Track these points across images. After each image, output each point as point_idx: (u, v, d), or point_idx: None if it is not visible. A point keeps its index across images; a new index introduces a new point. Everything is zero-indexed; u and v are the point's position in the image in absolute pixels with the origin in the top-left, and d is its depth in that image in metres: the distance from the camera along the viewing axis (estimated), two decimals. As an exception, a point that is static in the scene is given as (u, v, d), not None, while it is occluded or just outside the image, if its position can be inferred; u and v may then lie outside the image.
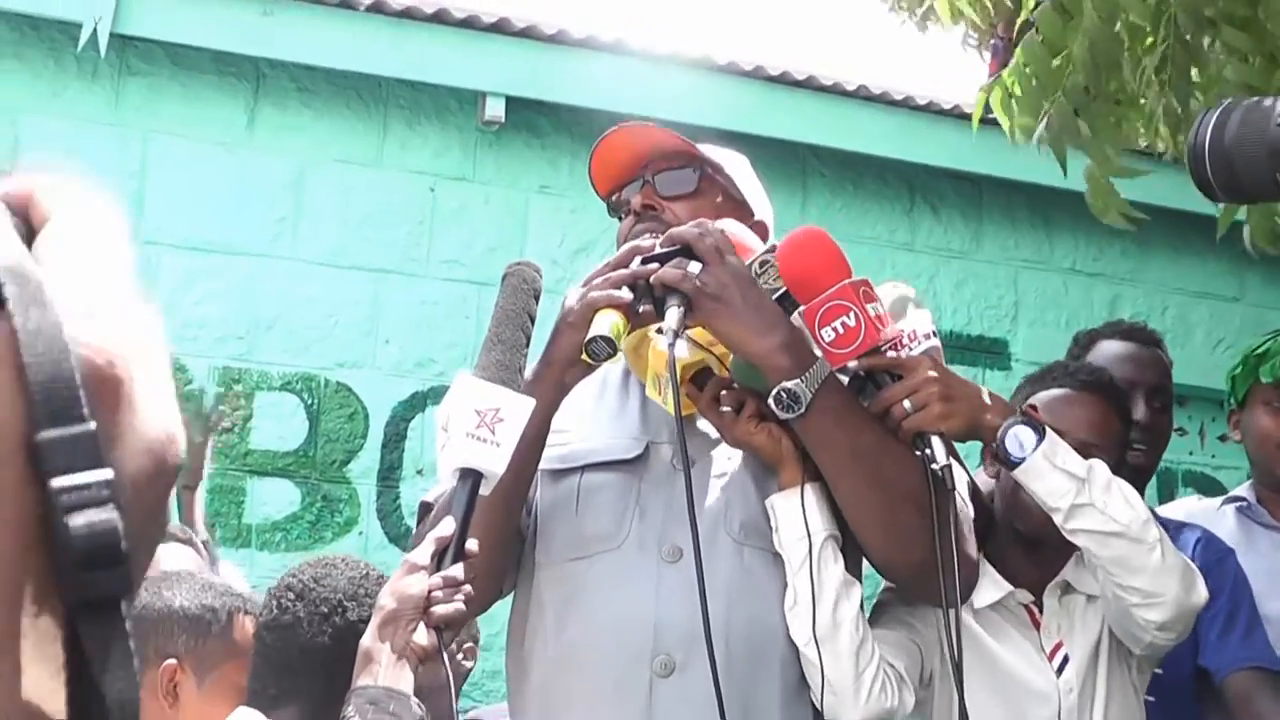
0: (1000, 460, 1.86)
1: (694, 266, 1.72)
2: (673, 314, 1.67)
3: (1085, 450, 1.90)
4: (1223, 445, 5.30)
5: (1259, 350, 2.79)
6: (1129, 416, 2.33)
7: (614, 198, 2.04)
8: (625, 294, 1.71)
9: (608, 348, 1.66)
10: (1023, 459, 1.81)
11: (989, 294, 5.13)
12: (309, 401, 4.25)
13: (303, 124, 4.38)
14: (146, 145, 4.23)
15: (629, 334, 1.73)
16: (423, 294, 4.38)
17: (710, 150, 2.04)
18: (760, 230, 2.01)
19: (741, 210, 2.00)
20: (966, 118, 4.90)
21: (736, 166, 2.06)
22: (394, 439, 4.31)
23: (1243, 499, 2.83)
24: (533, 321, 1.71)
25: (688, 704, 1.70)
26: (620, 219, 2.03)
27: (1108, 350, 2.75)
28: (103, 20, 4.07)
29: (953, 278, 5.06)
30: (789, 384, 1.69)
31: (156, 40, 4.24)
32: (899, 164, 4.93)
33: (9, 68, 4.13)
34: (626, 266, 1.75)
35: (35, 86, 4.16)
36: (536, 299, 1.73)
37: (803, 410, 1.70)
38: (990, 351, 5.03)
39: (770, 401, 1.72)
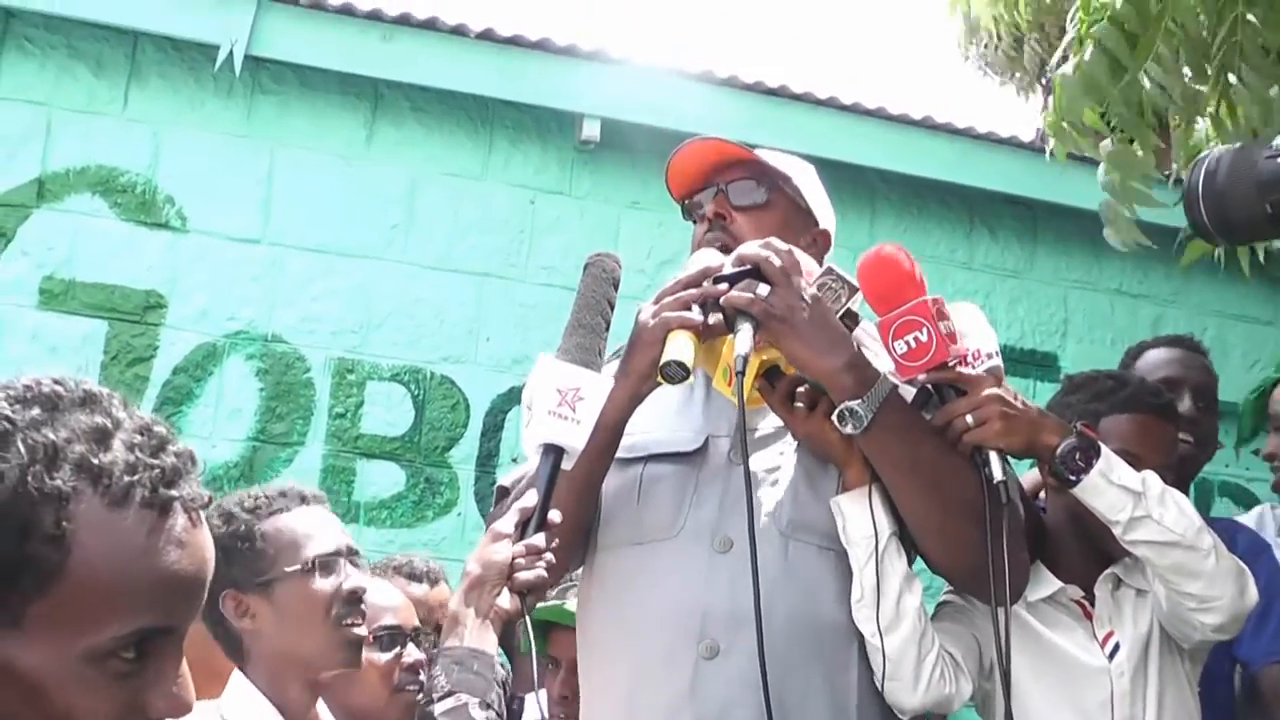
0: (1059, 478, 1.87)
1: (762, 289, 1.74)
2: (744, 337, 1.70)
3: (1139, 466, 1.91)
4: (1256, 459, 5.51)
5: None
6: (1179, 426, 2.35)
7: (689, 201, 2.08)
8: (696, 315, 1.75)
9: (681, 371, 1.70)
10: (1080, 479, 1.84)
11: (1041, 311, 5.21)
12: (415, 392, 4.44)
13: (416, 140, 4.57)
14: (274, 156, 4.42)
15: (700, 346, 1.75)
16: (521, 297, 4.57)
17: (779, 159, 2.06)
18: (824, 239, 2.06)
19: (807, 219, 2.05)
20: (1023, 146, 5.09)
21: (803, 176, 2.08)
22: (492, 429, 4.47)
23: None
24: (612, 308, 1.75)
25: (728, 684, 1.78)
26: (694, 221, 2.08)
27: (1155, 357, 2.79)
28: (238, 43, 4.28)
29: (1007, 295, 5.17)
30: (852, 403, 1.73)
31: (286, 62, 4.43)
32: (960, 189, 5.07)
33: (153, 84, 4.34)
34: (698, 285, 1.78)
35: (176, 102, 4.36)
36: (615, 287, 1.78)
37: (865, 427, 1.74)
38: (1041, 365, 5.11)
39: (834, 418, 1.76)
